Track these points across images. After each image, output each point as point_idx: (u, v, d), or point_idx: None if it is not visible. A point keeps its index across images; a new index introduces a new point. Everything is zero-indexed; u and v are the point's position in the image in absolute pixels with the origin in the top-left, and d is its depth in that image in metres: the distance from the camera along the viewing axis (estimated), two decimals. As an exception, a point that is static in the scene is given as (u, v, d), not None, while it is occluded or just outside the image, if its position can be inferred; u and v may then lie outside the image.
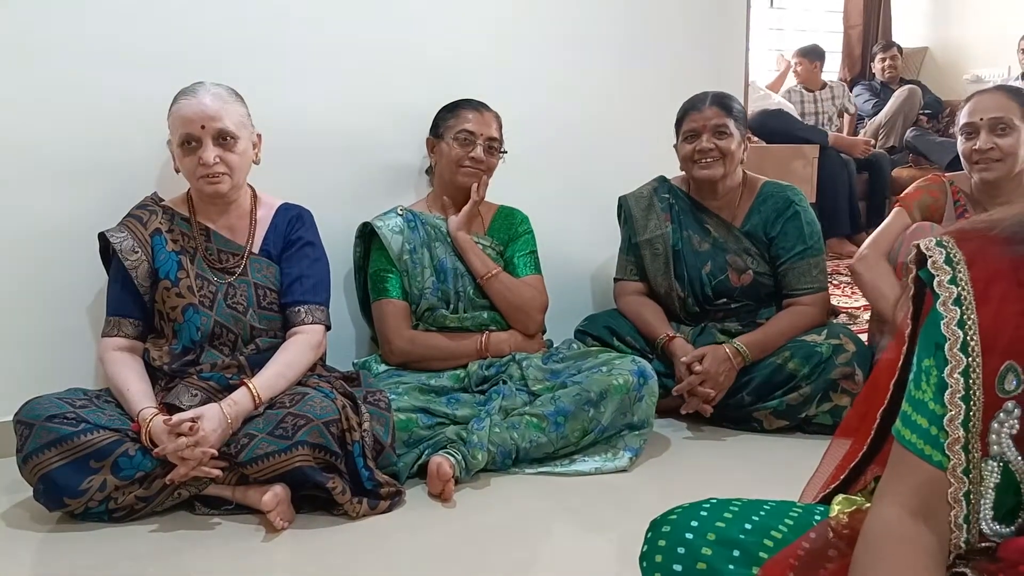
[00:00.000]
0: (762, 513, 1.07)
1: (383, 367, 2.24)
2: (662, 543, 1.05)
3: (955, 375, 0.89)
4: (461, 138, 2.31)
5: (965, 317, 0.90)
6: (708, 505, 1.08)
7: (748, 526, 1.04)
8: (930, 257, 0.94)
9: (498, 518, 1.81)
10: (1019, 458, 0.87)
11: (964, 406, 0.88)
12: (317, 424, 1.73)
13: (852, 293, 3.82)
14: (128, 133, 2.15)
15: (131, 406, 1.80)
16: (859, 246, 2.49)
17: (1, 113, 2.05)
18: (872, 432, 1.08)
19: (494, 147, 2.34)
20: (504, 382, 2.14)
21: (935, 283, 0.93)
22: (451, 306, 2.28)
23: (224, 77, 2.02)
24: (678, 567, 1.02)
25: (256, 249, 2.04)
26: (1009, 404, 0.88)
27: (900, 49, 6.12)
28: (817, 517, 1.07)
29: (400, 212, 2.34)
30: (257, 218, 2.06)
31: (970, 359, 0.89)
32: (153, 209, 2.01)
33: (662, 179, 2.53)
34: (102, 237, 1.97)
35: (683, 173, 2.47)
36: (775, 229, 2.37)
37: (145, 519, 1.77)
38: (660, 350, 2.33)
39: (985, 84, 2.42)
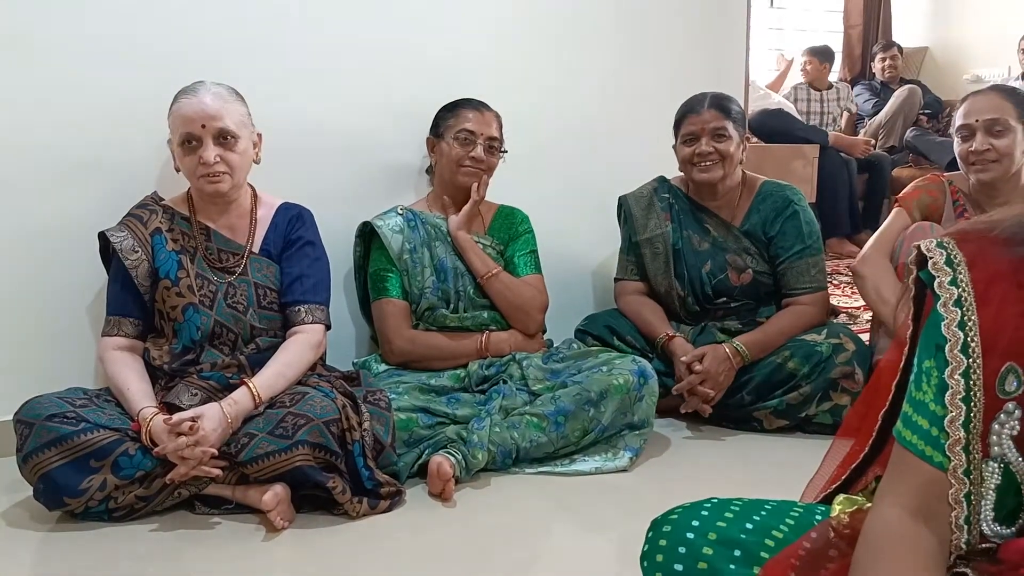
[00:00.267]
0: (763, 513, 1.08)
1: (383, 367, 2.25)
2: (663, 543, 1.05)
3: (956, 376, 0.89)
4: (461, 138, 2.31)
5: (966, 318, 0.90)
6: (709, 505, 1.08)
7: (749, 526, 1.04)
8: (931, 258, 0.94)
9: (498, 518, 1.81)
10: (1020, 459, 0.88)
11: (965, 407, 0.88)
12: (317, 423, 1.73)
13: (852, 293, 3.82)
14: (128, 132, 2.15)
15: (131, 405, 1.80)
16: (859, 246, 2.49)
17: (1, 113, 2.05)
18: (873, 433, 1.08)
19: (494, 147, 2.34)
20: (504, 382, 2.14)
21: (936, 284, 0.93)
22: (451, 306, 2.28)
23: (224, 77, 2.02)
24: (679, 567, 1.02)
25: (256, 248, 2.04)
26: (1010, 405, 0.88)
27: (900, 49, 6.12)
28: (818, 517, 1.07)
29: (400, 211, 2.34)
30: (257, 217, 2.06)
31: (971, 360, 0.89)
32: (153, 208, 2.01)
33: (662, 179, 2.53)
34: (102, 236, 1.97)
35: (683, 173, 2.47)
36: (774, 228, 2.38)
37: (145, 519, 1.77)
38: (660, 349, 2.34)
39: (985, 84, 2.42)
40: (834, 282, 4.12)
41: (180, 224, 2.01)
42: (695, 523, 1.05)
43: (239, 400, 1.79)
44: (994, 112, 2.20)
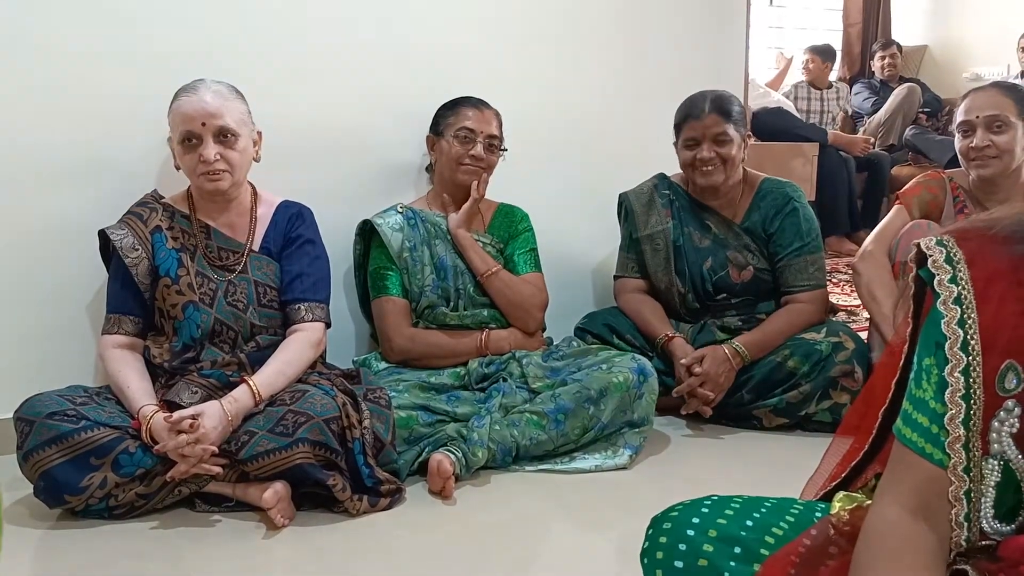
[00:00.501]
0: (763, 510, 1.08)
1: (383, 365, 2.25)
2: (663, 540, 1.05)
3: (955, 374, 0.89)
4: (461, 136, 2.31)
5: (965, 316, 0.90)
6: (709, 502, 1.08)
7: (749, 523, 1.04)
8: (930, 256, 0.94)
9: (498, 516, 1.81)
10: (1019, 456, 0.88)
11: (964, 405, 0.89)
12: (317, 421, 1.73)
13: (851, 291, 3.82)
14: (128, 131, 2.15)
15: (131, 403, 1.80)
16: (858, 244, 2.50)
17: (1, 111, 2.05)
18: (873, 431, 1.09)
19: (494, 145, 2.34)
20: (504, 379, 2.14)
21: (935, 282, 0.93)
22: (451, 304, 2.28)
23: (224, 75, 2.02)
24: (679, 564, 1.02)
25: (256, 247, 2.04)
26: (1009, 403, 0.88)
27: (900, 47, 6.12)
28: (818, 515, 1.07)
29: (400, 210, 2.34)
30: (257, 215, 2.06)
31: (970, 358, 0.89)
32: (153, 207, 2.01)
33: (662, 176, 2.54)
34: (102, 234, 1.98)
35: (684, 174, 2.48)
36: (774, 226, 2.38)
37: (145, 516, 1.77)
38: (660, 349, 2.34)
39: (985, 82, 2.43)
40: (833, 280, 4.12)
41: (180, 222, 2.01)
42: (695, 520, 1.05)
43: (239, 398, 1.79)
44: (995, 108, 2.21)
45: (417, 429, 1.98)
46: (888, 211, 2.43)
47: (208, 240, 2.01)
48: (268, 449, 1.71)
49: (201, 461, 1.71)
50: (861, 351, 2.21)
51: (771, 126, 5.06)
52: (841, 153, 5.15)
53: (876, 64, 6.13)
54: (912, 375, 0.96)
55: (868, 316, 2.41)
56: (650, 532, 1.08)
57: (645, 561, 1.07)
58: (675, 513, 1.07)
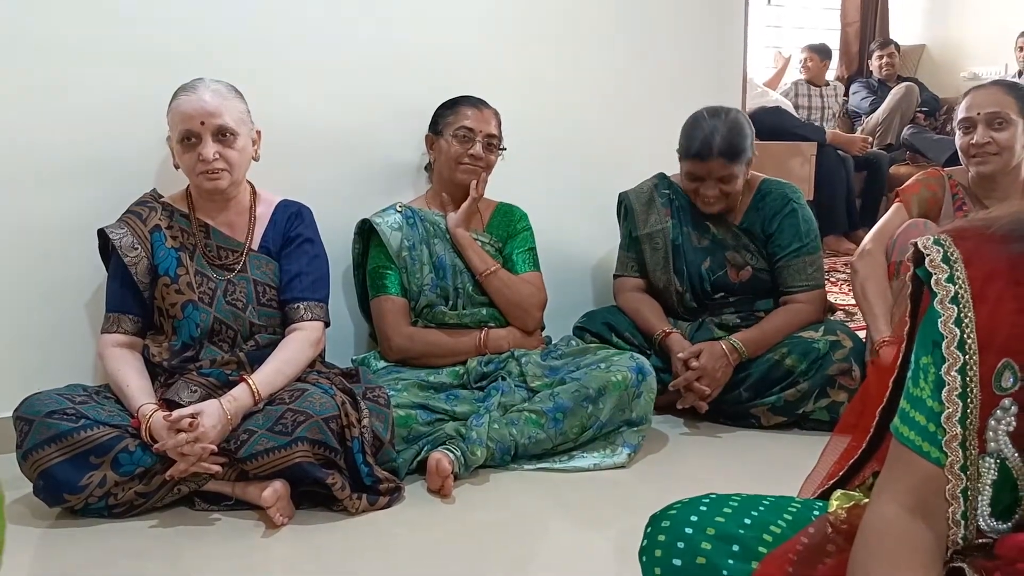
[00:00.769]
0: (761, 508, 1.08)
1: (382, 364, 2.25)
2: (662, 538, 1.05)
3: (952, 373, 0.90)
4: (460, 135, 2.31)
5: (962, 315, 0.91)
6: (707, 500, 1.09)
7: (747, 521, 1.05)
8: (927, 255, 0.95)
9: (497, 514, 1.81)
10: (1016, 455, 0.88)
11: (961, 403, 0.89)
12: (316, 420, 1.73)
13: (849, 290, 3.82)
14: (127, 130, 2.15)
15: (131, 402, 1.80)
16: (856, 243, 2.51)
17: (0, 111, 2.05)
18: (871, 429, 1.09)
19: (493, 144, 2.35)
20: (503, 378, 2.14)
21: (932, 281, 0.93)
22: (450, 303, 2.29)
23: (223, 74, 2.02)
24: (678, 562, 1.03)
25: (255, 246, 2.04)
26: (1006, 401, 0.88)
27: (897, 47, 6.13)
28: (816, 512, 1.08)
29: (399, 209, 2.34)
30: (256, 215, 2.06)
31: (967, 357, 0.89)
32: (152, 206, 2.01)
33: (662, 175, 2.54)
34: (101, 233, 1.98)
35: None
36: (772, 226, 2.38)
37: (145, 515, 1.77)
38: (657, 346, 2.34)
39: (984, 81, 2.45)
40: (831, 279, 4.12)
41: (179, 221, 2.01)
42: (694, 518, 1.05)
43: (238, 397, 1.80)
44: (995, 106, 2.22)
45: (416, 428, 1.98)
46: (887, 210, 2.44)
47: (207, 239, 2.01)
48: (267, 448, 1.72)
49: (200, 460, 1.71)
50: (858, 350, 2.22)
51: (769, 125, 5.05)
52: (839, 152, 5.16)
53: (874, 63, 6.14)
54: (910, 374, 0.97)
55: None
56: (648, 530, 1.08)
57: (644, 559, 1.07)
58: (673, 511, 1.08)
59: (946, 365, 0.90)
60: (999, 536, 0.89)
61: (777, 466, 1.98)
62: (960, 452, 0.89)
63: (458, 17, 2.58)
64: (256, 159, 2.05)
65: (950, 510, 0.89)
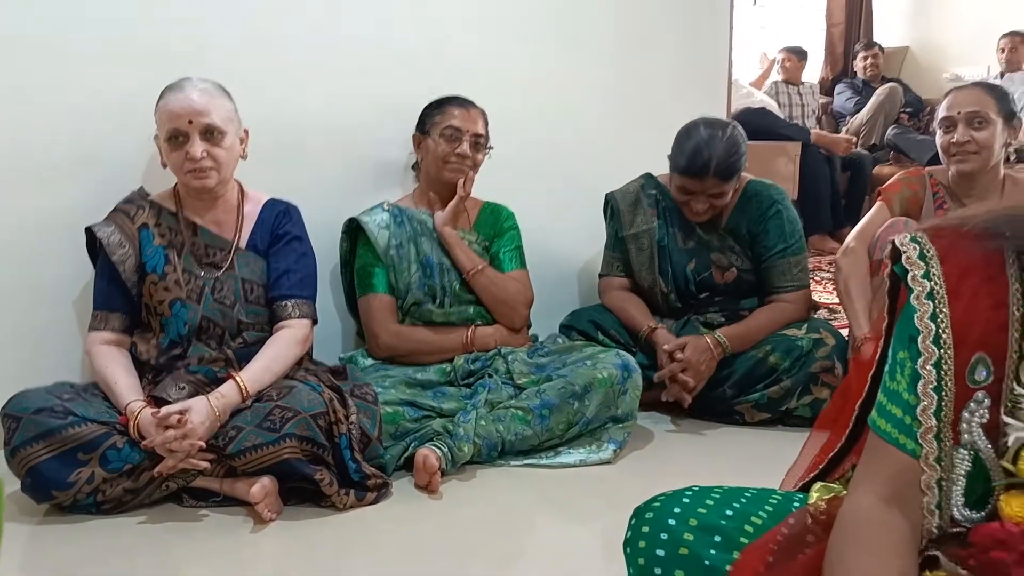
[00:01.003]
0: (743, 500, 1.10)
1: (369, 361, 2.26)
2: (645, 529, 1.07)
3: (928, 366, 0.92)
4: (447, 134, 2.32)
5: (938, 311, 0.93)
6: (690, 493, 1.11)
7: (729, 512, 1.07)
8: (904, 253, 0.97)
9: (484, 510, 1.83)
10: (989, 447, 0.90)
11: (936, 396, 0.91)
12: (304, 417, 1.74)
13: (833, 289, 3.86)
14: (114, 128, 2.15)
15: (119, 399, 1.81)
16: (841, 242, 2.54)
17: (-13, 108, 2.05)
18: (850, 423, 1.11)
19: (480, 143, 2.36)
20: (490, 375, 2.16)
21: (909, 278, 0.96)
22: (437, 300, 2.30)
23: (211, 73, 2.02)
24: (661, 552, 1.05)
25: (243, 244, 2.04)
26: (979, 394, 0.91)
27: (881, 48, 6.18)
28: (796, 504, 1.10)
29: (386, 208, 2.35)
30: (244, 213, 2.07)
31: (942, 351, 0.92)
32: (140, 204, 2.01)
33: (649, 176, 2.56)
34: (89, 231, 1.98)
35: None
36: (758, 228, 2.41)
37: (133, 511, 1.78)
38: (644, 341, 2.36)
39: (964, 83, 2.49)
40: (816, 279, 4.16)
41: (167, 219, 2.01)
42: (677, 510, 1.07)
43: (226, 394, 1.80)
44: (975, 105, 2.25)
45: (403, 424, 1.99)
46: (870, 209, 2.47)
47: (195, 237, 2.01)
48: (255, 444, 1.72)
49: (188, 456, 1.71)
50: (841, 347, 2.25)
51: (754, 126, 5.08)
52: (823, 152, 5.20)
53: (858, 64, 6.19)
54: (887, 368, 0.99)
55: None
56: (633, 522, 1.10)
57: (628, 550, 1.09)
58: (657, 504, 1.10)
59: (921, 359, 0.92)
60: (973, 525, 0.91)
61: (761, 461, 1.99)
62: (935, 444, 0.92)
63: (446, 18, 2.59)
64: (244, 158, 2.05)
65: (925, 500, 0.91)
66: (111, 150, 2.16)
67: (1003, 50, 5.71)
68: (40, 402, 1.72)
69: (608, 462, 2.05)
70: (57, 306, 2.16)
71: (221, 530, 1.72)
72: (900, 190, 2.42)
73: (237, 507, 1.79)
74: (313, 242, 2.13)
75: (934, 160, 2.42)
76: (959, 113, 2.26)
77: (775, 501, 1.11)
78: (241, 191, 2.09)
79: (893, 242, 1.00)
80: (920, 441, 0.92)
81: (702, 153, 2.27)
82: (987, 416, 0.91)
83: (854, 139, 5.65)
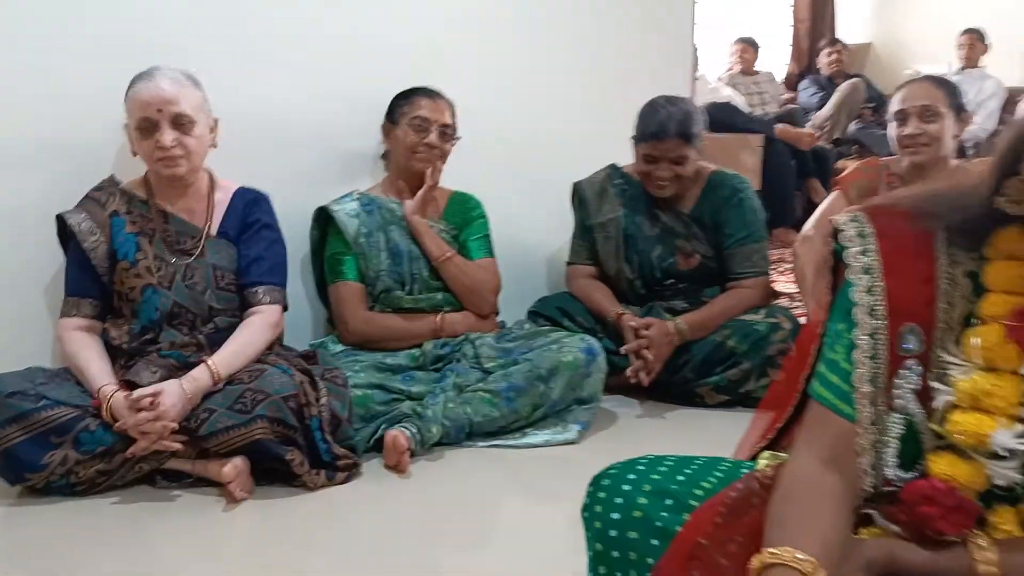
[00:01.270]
0: (694, 467, 1.16)
1: (340, 347, 2.30)
2: (602, 495, 1.13)
3: (863, 336, 0.98)
4: (415, 124, 2.36)
5: (873, 285, 1.00)
6: (644, 461, 1.16)
7: (680, 478, 1.13)
8: (843, 231, 1.04)
9: (453, 489, 1.88)
10: (920, 411, 0.97)
11: (871, 364, 0.98)
12: (275, 399, 1.78)
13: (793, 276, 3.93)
14: (85, 117, 2.16)
15: (91, 383, 1.83)
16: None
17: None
18: (797, 396, 1.18)
19: (447, 133, 2.40)
20: (458, 360, 2.21)
21: (847, 254, 1.02)
22: (406, 287, 2.34)
23: (182, 62, 2.04)
24: (616, 515, 1.10)
25: (214, 231, 2.07)
26: (911, 362, 0.97)
27: (845, 44, 6.30)
28: (744, 471, 1.16)
29: (356, 197, 2.39)
30: (215, 201, 2.09)
31: (876, 322, 0.98)
32: (111, 191, 2.03)
33: (614, 167, 2.62)
34: (60, 219, 1.99)
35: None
36: (720, 216, 2.49)
37: (107, 493, 1.81)
38: (612, 325, 2.42)
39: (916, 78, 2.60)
40: (779, 269, 4.24)
41: (138, 207, 2.04)
42: (631, 476, 1.13)
43: (198, 377, 1.83)
44: (926, 99, 2.34)
45: (373, 407, 2.03)
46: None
47: (166, 224, 2.04)
48: (227, 426, 1.76)
49: (161, 438, 1.74)
50: (797, 331, 2.32)
51: (720, 120, 5.17)
52: (788, 146, 5.29)
53: (823, 60, 6.30)
54: (826, 339, 1.06)
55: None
56: (590, 489, 1.16)
57: (586, 515, 1.15)
58: (613, 471, 1.15)
59: (857, 330, 0.99)
60: (904, 484, 0.98)
61: (720, 441, 2.03)
62: (870, 408, 0.98)
63: (415, 9, 2.63)
64: (214, 147, 2.08)
65: (860, 461, 0.98)
66: (81, 138, 2.16)
67: (961, 47, 5.85)
68: (13, 386, 1.75)
69: (573, 442, 2.11)
70: (28, 293, 2.16)
71: (194, 509, 1.76)
72: (857, 179, 2.50)
73: (209, 487, 1.82)
74: (284, 231, 2.16)
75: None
76: (911, 107, 2.34)
77: (725, 468, 1.17)
78: (211, 179, 2.12)
79: (833, 221, 1.06)
80: (856, 406, 0.98)
81: (662, 117, 2.40)
82: (918, 383, 0.97)
83: (817, 133, 5.76)
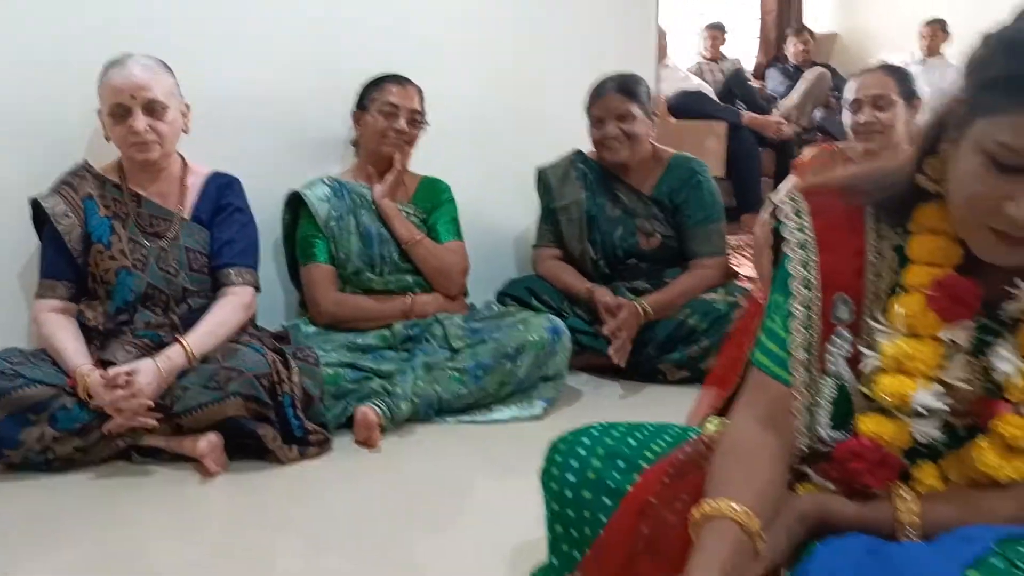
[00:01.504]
0: (645, 433, 1.24)
1: (312, 328, 2.34)
2: (558, 459, 1.21)
3: (798, 306, 1.06)
4: (385, 110, 2.41)
5: (808, 258, 1.07)
6: (599, 427, 1.24)
7: (632, 442, 1.20)
8: (781, 210, 1.11)
9: (423, 463, 1.94)
10: (851, 376, 1.05)
11: (806, 332, 1.06)
12: (248, 377, 1.83)
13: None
14: (57, 100, 2.18)
15: (67, 363, 1.87)
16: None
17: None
18: (744, 366, 1.25)
19: (416, 119, 2.46)
20: (427, 340, 2.27)
21: (784, 230, 1.10)
22: (376, 270, 2.39)
23: (154, 48, 2.07)
24: (571, 477, 1.18)
25: (187, 215, 2.11)
26: (842, 330, 1.05)
27: (812, 33, 6.40)
28: (691, 435, 1.24)
29: (327, 181, 2.43)
30: (187, 185, 2.13)
31: (811, 293, 1.06)
32: (84, 175, 2.06)
33: (578, 152, 2.70)
34: (34, 203, 2.02)
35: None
36: (680, 197, 2.57)
37: (84, 469, 1.84)
38: (584, 301, 2.50)
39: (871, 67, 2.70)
40: (745, 254, 4.33)
41: (111, 191, 2.07)
42: (586, 441, 1.21)
43: (172, 356, 1.87)
44: (878, 88, 2.43)
45: (344, 385, 2.09)
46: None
47: (139, 208, 2.07)
48: (201, 402, 1.81)
49: (137, 415, 1.78)
50: (755, 310, 2.41)
51: (688, 108, 5.26)
52: (755, 134, 5.38)
53: (790, 50, 6.39)
54: (766, 310, 1.13)
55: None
56: (548, 455, 1.23)
57: (544, 478, 1.23)
58: (569, 437, 1.23)
59: (793, 300, 1.06)
60: (836, 443, 1.05)
61: (679, 415, 2.11)
62: (804, 373, 1.06)
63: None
64: (187, 132, 2.12)
65: (796, 423, 1.05)
66: (53, 123, 2.19)
67: (924, 37, 5.97)
68: (-11, 366, 1.78)
69: (539, 418, 2.19)
70: (3, 275, 2.19)
71: (169, 484, 1.80)
72: (814, 165, 2.59)
73: (185, 463, 1.87)
74: (255, 214, 2.20)
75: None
76: (864, 95, 2.43)
77: (674, 433, 1.25)
78: (184, 164, 2.16)
79: (772, 200, 1.14)
80: (791, 371, 1.06)
81: (604, 81, 2.56)
82: (849, 349, 1.05)
83: (784, 122, 5.85)
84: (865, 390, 1.04)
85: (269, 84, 2.50)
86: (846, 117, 2.52)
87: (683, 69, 5.71)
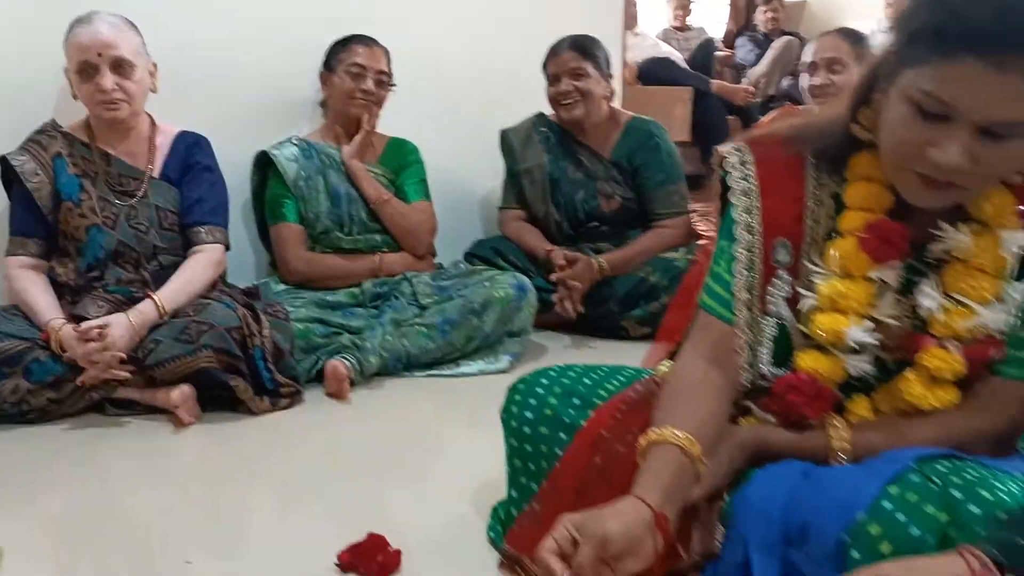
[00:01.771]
0: (600, 373, 1.31)
1: (282, 287, 2.38)
2: (517, 398, 1.28)
3: (741, 250, 1.13)
4: (353, 71, 2.44)
5: (751, 205, 1.14)
6: (556, 369, 1.32)
7: (588, 382, 1.28)
8: (727, 159, 1.17)
9: (392, 415, 2.00)
10: (790, 315, 1.12)
11: (748, 274, 1.12)
12: (220, 330, 1.86)
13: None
14: (22, 60, 2.18)
15: (39, 318, 1.90)
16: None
17: None
18: (696, 312, 1.32)
19: (383, 80, 2.48)
20: (396, 297, 2.32)
21: (730, 179, 1.16)
22: (345, 229, 2.43)
23: (122, 7, 2.08)
24: (529, 415, 1.25)
25: (156, 173, 2.13)
26: (782, 273, 1.12)
27: (781, 2, 6.45)
28: (644, 376, 1.30)
29: (295, 142, 2.46)
30: (156, 144, 2.15)
31: (753, 237, 1.13)
32: (52, 134, 2.07)
33: (541, 115, 2.74)
34: (3, 160, 2.04)
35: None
36: (638, 160, 2.64)
37: (58, 420, 1.88)
38: (543, 262, 2.56)
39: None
40: (712, 220, 4.42)
41: (80, 150, 2.08)
42: (544, 381, 1.28)
43: (144, 311, 1.91)
44: (834, 51, 2.49)
45: (314, 340, 2.14)
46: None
47: (108, 167, 2.09)
48: (174, 355, 1.84)
49: (110, 367, 1.82)
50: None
51: (657, 75, 5.31)
52: (723, 101, 5.44)
53: (760, 18, 6.44)
54: (713, 255, 1.20)
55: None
56: (508, 394, 1.30)
57: (504, 416, 1.30)
58: (528, 378, 1.30)
59: (737, 244, 1.13)
60: (776, 379, 1.12)
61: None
62: (747, 313, 1.13)
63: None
64: (155, 91, 2.13)
65: (738, 360, 1.12)
66: (21, 82, 2.19)
67: (890, 5, 6.03)
68: (-38, 322, 1.81)
69: (504, 372, 2.25)
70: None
71: (143, 434, 1.85)
72: (772, 127, 2.65)
73: (158, 414, 1.91)
74: (225, 175, 2.22)
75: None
76: (820, 59, 2.50)
77: (627, 374, 1.32)
78: (152, 123, 2.17)
79: (718, 151, 1.20)
80: (735, 311, 1.13)
81: (562, 39, 2.63)
82: (788, 291, 1.12)
83: (753, 90, 5.92)
84: (803, 328, 1.11)
85: (236, 44, 2.51)
86: (803, 80, 2.58)
87: (651, 36, 5.75)
